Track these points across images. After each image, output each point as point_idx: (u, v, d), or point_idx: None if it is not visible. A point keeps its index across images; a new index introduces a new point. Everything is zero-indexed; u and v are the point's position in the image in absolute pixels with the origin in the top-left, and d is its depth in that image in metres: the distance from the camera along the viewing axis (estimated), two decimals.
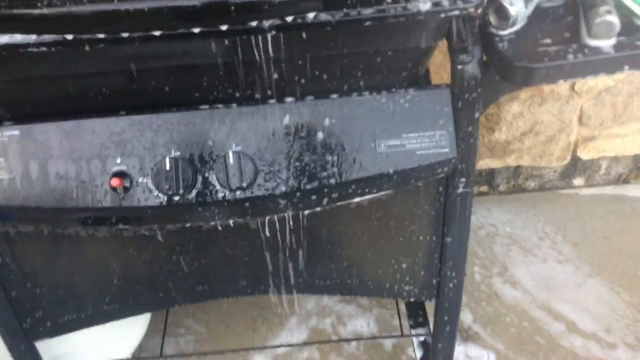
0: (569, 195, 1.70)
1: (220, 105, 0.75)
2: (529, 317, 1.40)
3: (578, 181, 1.70)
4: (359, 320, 1.41)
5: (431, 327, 1.30)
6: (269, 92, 0.75)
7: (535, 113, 1.49)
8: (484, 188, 1.69)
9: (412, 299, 0.99)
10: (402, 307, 1.32)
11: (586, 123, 1.54)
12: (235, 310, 1.45)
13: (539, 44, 0.73)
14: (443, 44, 0.76)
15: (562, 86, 1.45)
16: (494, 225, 1.62)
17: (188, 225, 0.82)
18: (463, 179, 0.82)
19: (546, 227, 1.61)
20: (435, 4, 0.65)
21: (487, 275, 1.49)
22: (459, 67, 0.73)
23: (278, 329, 1.40)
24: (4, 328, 0.90)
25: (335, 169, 0.76)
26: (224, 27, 0.62)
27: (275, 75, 0.73)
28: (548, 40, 0.73)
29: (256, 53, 0.68)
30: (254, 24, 0.63)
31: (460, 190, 0.82)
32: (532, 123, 1.51)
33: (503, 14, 0.73)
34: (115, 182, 0.72)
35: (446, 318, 0.99)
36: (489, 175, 1.67)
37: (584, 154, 1.61)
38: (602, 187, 1.72)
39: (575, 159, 1.63)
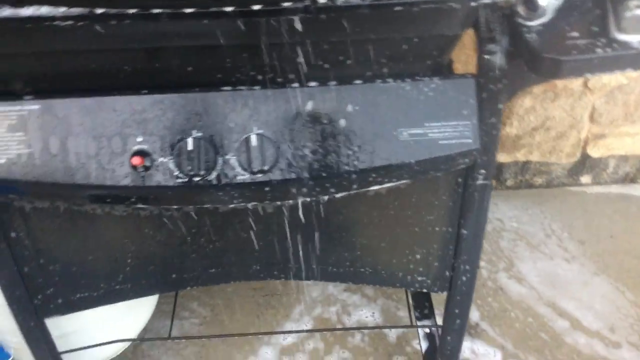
0: (576, 193, 1.70)
1: (243, 87, 0.74)
2: (534, 313, 1.40)
3: (585, 179, 1.70)
4: (364, 310, 1.41)
5: (437, 319, 1.30)
6: (293, 76, 0.74)
7: (548, 108, 1.48)
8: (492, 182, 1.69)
9: (424, 290, 0.98)
10: (409, 298, 1.32)
11: (597, 120, 1.54)
12: (240, 295, 1.45)
13: (567, 37, 0.72)
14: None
15: (576, 82, 1.45)
16: (501, 220, 1.62)
17: (206, 207, 0.82)
18: (483, 171, 0.81)
19: (553, 223, 1.61)
20: None
21: (493, 270, 1.49)
22: (486, 57, 0.72)
23: (283, 315, 1.40)
24: (15, 304, 0.90)
25: (356, 156, 0.75)
26: (255, 7, 0.61)
27: (300, 59, 0.72)
28: (576, 34, 0.73)
29: (283, 35, 0.67)
30: (286, 4, 0.62)
31: (480, 182, 0.82)
32: (544, 118, 1.50)
33: (532, 5, 0.72)
34: (136, 160, 0.71)
35: (457, 311, 0.98)
36: (497, 170, 1.67)
37: (594, 152, 1.61)
38: (609, 186, 1.72)
39: (584, 157, 1.63)
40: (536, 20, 0.73)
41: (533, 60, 0.71)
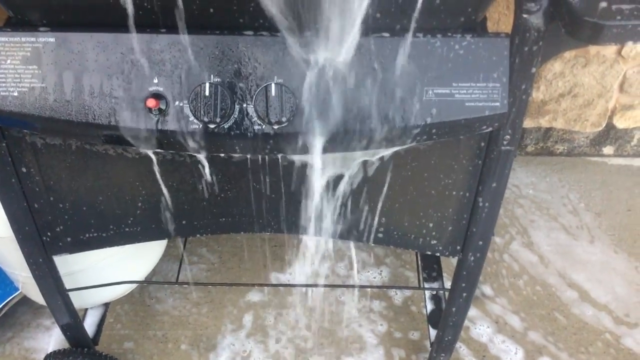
0: (597, 163, 1.66)
1: (265, 33, 0.71)
2: (543, 282, 1.39)
3: (608, 150, 1.66)
4: (371, 271, 1.41)
5: (444, 282, 1.29)
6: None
7: (577, 75, 1.43)
8: None
9: (435, 254, 0.97)
10: (419, 260, 1.31)
11: (627, 90, 1.49)
12: (248, 245, 1.44)
13: (610, 1, 0.68)
14: None
15: (609, 49, 1.39)
16: (517, 187, 1.59)
17: (220, 155, 0.80)
18: (508, 137, 0.78)
19: (570, 193, 1.58)
20: None
21: (506, 236, 1.48)
22: (524, 15, 0.68)
23: (289, 268, 1.40)
24: (24, 240, 0.89)
25: (378, 114, 0.72)
26: None
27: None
28: None
29: None
30: None
31: (504, 147, 0.79)
32: (572, 85, 1.46)
33: None
34: (151, 102, 0.69)
35: (464, 283, 0.96)
36: None
37: (620, 123, 1.56)
38: (632, 159, 1.68)
39: (609, 127, 1.59)
40: None
41: (572, 23, 0.67)
